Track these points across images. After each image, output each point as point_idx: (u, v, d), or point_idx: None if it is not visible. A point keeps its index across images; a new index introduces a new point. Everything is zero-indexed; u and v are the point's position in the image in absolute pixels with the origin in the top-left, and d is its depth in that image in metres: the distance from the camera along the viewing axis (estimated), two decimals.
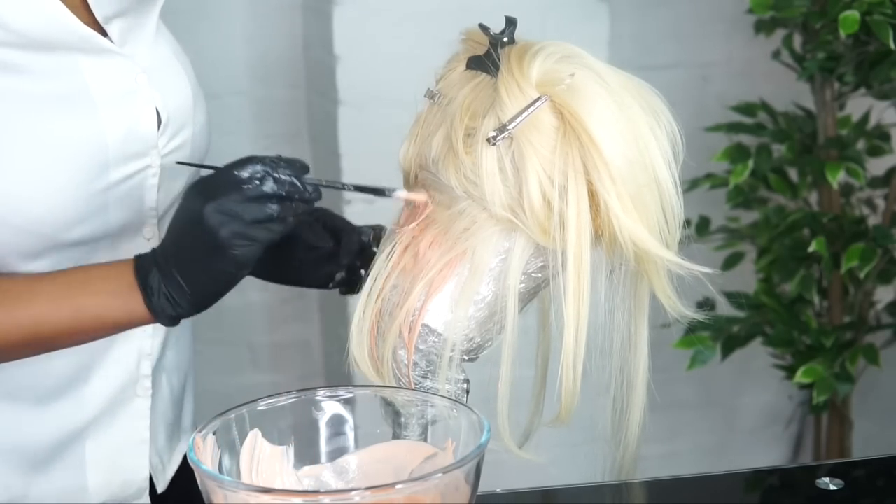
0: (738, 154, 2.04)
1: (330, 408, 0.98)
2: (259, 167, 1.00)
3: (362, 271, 1.20)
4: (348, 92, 2.11)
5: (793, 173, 2.10)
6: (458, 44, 1.07)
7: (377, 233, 1.22)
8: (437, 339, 1.02)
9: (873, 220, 2.10)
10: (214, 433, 0.90)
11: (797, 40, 2.04)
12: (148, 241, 1.15)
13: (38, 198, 1.05)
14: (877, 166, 2.13)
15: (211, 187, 1.01)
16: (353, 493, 0.81)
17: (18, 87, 1.05)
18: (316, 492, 0.92)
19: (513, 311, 1.01)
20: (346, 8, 2.08)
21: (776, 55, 2.09)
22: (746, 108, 2.11)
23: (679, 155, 1.01)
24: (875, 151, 2.13)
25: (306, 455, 0.96)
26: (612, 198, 0.97)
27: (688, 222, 1.05)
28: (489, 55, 1.02)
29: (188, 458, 0.86)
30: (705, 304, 1.59)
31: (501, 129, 0.98)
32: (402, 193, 1.04)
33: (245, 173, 1.00)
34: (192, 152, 1.19)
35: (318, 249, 1.23)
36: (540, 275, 1.02)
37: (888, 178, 2.11)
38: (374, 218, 1.26)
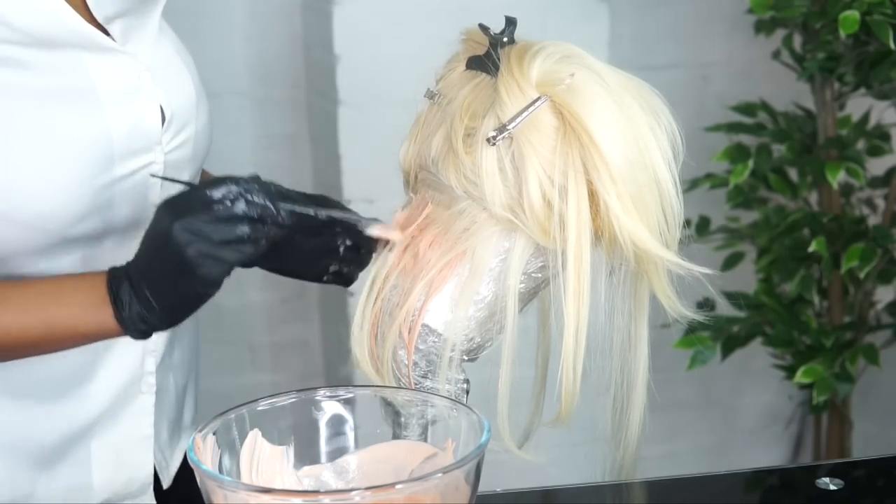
0: (738, 154, 2.04)
1: (330, 408, 0.98)
2: (233, 188, 0.99)
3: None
4: (348, 92, 2.11)
5: (793, 173, 2.10)
6: (458, 44, 1.07)
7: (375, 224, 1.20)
8: (437, 339, 1.02)
9: (873, 220, 2.10)
10: (214, 433, 0.90)
11: (797, 40, 2.04)
12: None
13: (44, 193, 1.05)
14: (877, 166, 2.13)
15: (181, 206, 1.00)
16: (353, 493, 0.81)
17: (23, 84, 1.05)
18: (316, 492, 0.92)
19: (513, 311, 1.01)
20: (346, 8, 2.08)
21: (776, 55, 2.09)
22: (746, 108, 2.11)
23: (679, 155, 1.01)
24: (875, 151, 2.13)
25: (306, 455, 0.96)
26: (612, 198, 0.97)
27: (688, 222, 1.05)
28: (489, 55, 1.02)
29: (188, 458, 0.86)
30: (705, 305, 1.59)
31: (501, 129, 0.98)
32: (375, 230, 1.04)
33: (217, 194, 0.99)
34: (194, 150, 1.19)
35: (317, 239, 1.22)
36: (540, 275, 1.02)
37: (888, 178, 2.11)
38: (376, 213, 1.26)
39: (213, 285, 1.01)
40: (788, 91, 2.18)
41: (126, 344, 1.18)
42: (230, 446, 0.92)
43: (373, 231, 1.05)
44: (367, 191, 2.08)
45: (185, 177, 1.18)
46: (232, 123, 2.26)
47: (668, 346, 1.80)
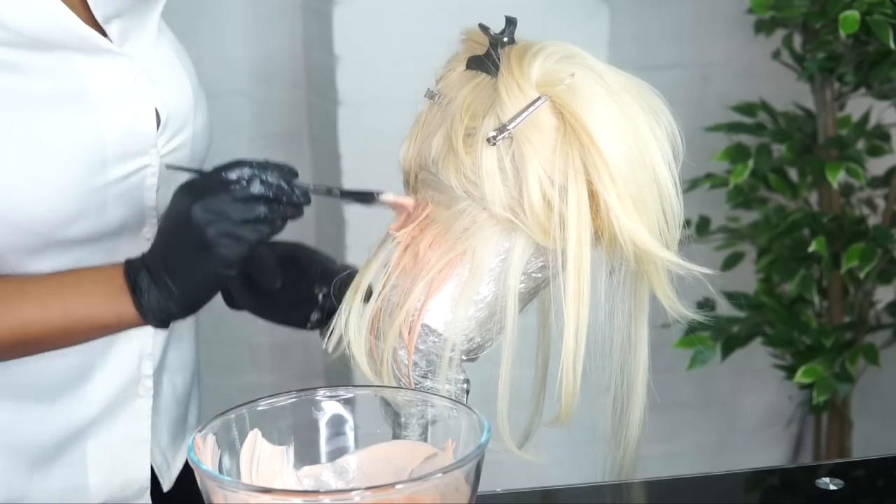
0: (738, 154, 2.04)
1: (330, 408, 0.98)
2: (247, 169, 1.02)
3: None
4: (348, 92, 2.11)
5: (793, 173, 2.10)
6: (458, 44, 1.07)
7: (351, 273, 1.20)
8: (437, 339, 1.02)
9: (873, 220, 2.10)
10: (214, 433, 0.90)
11: (797, 40, 2.04)
12: (148, 240, 1.15)
13: (35, 195, 1.05)
14: (877, 166, 2.13)
15: (199, 188, 1.03)
16: (353, 493, 0.81)
17: (16, 86, 1.05)
18: (316, 492, 0.92)
19: (513, 311, 1.01)
20: (346, 8, 2.08)
21: (776, 55, 2.09)
22: (746, 108, 2.11)
23: (679, 155, 1.01)
24: (875, 151, 2.13)
25: (306, 455, 0.96)
26: (612, 198, 0.97)
27: (688, 222, 1.05)
28: (489, 55, 1.02)
29: (188, 458, 0.86)
30: (705, 305, 1.59)
31: (501, 129, 0.98)
32: (389, 196, 1.05)
33: (233, 175, 1.02)
34: (192, 153, 1.19)
35: (294, 288, 1.23)
36: (540, 275, 1.02)
37: (888, 178, 2.11)
38: (376, 213, 1.26)
39: (232, 266, 1.03)
40: (788, 91, 2.18)
41: (124, 347, 1.18)
42: (230, 446, 0.92)
43: (386, 198, 1.05)
44: (367, 189, 2.08)
45: (182, 181, 1.18)
46: (232, 123, 2.26)
47: (668, 346, 1.80)
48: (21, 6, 1.05)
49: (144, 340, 1.19)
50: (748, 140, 2.08)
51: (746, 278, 2.13)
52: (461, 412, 0.92)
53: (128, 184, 1.12)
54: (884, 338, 2.12)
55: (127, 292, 1.05)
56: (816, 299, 2.05)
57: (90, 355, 1.16)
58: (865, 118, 2.13)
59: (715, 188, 2.08)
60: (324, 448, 0.97)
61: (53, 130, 1.06)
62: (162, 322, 1.06)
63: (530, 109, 0.97)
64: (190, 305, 1.06)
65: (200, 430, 0.89)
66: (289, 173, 1.03)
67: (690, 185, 2.00)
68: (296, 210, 1.04)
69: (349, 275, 1.10)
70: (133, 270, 1.06)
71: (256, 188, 1.01)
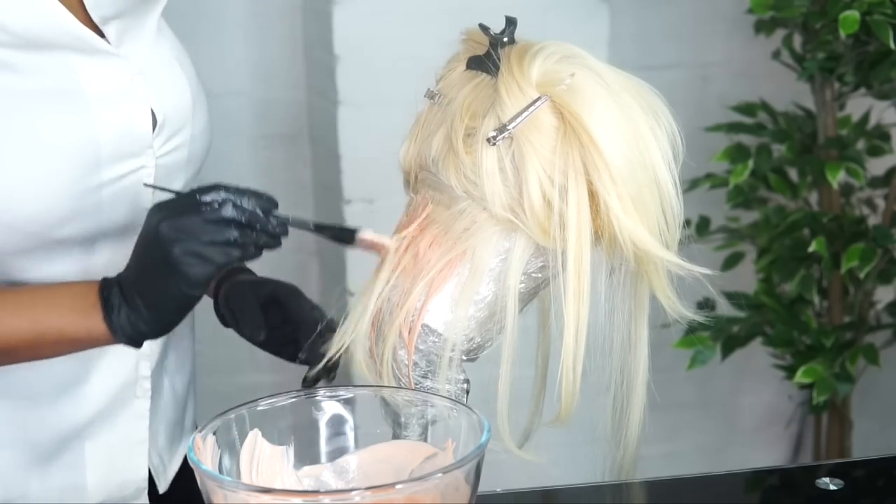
0: (738, 154, 2.04)
1: (330, 408, 0.98)
2: (222, 193, 1.01)
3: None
4: (348, 92, 2.11)
5: (793, 173, 2.10)
6: (458, 44, 1.07)
7: (330, 324, 1.19)
8: (437, 339, 1.02)
9: (873, 220, 2.10)
10: (214, 433, 0.90)
11: (797, 40, 2.04)
12: None
13: (29, 195, 1.05)
14: (877, 166, 2.13)
15: (171, 207, 1.02)
16: (353, 493, 0.81)
17: (10, 85, 1.05)
18: (316, 492, 0.92)
19: (513, 311, 1.01)
20: (346, 8, 2.08)
21: (776, 55, 2.09)
22: (746, 108, 2.11)
23: (679, 155, 1.01)
24: (875, 151, 2.13)
25: (306, 455, 0.96)
26: (612, 198, 0.97)
27: (688, 222, 1.05)
28: (489, 55, 1.02)
29: (188, 458, 0.86)
30: (705, 305, 1.59)
31: (501, 129, 0.98)
32: (367, 234, 1.04)
33: (207, 197, 1.01)
34: (190, 154, 1.19)
35: (278, 332, 1.23)
36: (540, 275, 1.02)
37: (888, 178, 2.11)
38: (374, 218, 1.26)
39: (197, 286, 1.02)
40: (788, 91, 2.18)
41: (122, 348, 1.18)
42: (230, 446, 0.92)
43: (364, 235, 1.05)
44: (367, 191, 2.08)
45: (181, 180, 1.18)
46: (232, 123, 2.25)
47: (668, 346, 1.80)
48: (18, 6, 1.04)
49: None
50: (748, 140, 2.08)
51: (746, 278, 2.13)
52: (461, 412, 0.92)
53: (123, 185, 1.12)
54: (884, 338, 2.12)
55: (98, 308, 1.04)
56: (816, 299, 2.05)
57: (88, 356, 1.15)
58: (865, 118, 2.13)
59: (715, 188, 2.08)
60: (324, 448, 0.97)
61: (47, 130, 1.06)
62: (132, 340, 1.05)
63: (530, 109, 0.97)
64: (158, 325, 1.05)
65: (200, 430, 0.90)
66: (267, 202, 1.02)
67: (690, 185, 2.00)
68: (272, 240, 1.02)
69: (328, 328, 1.10)
70: (107, 287, 1.05)
71: (228, 212, 1.00)
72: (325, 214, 2.23)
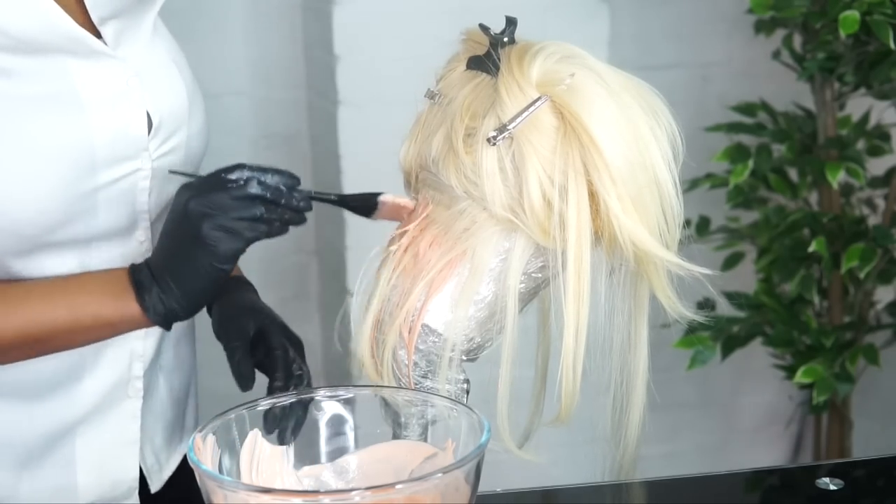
0: (738, 154, 2.04)
1: (330, 408, 0.98)
2: (246, 171, 1.03)
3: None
4: (348, 92, 2.11)
5: (793, 173, 2.10)
6: (458, 44, 1.07)
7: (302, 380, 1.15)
8: (437, 339, 1.02)
9: (873, 220, 2.10)
10: (214, 433, 0.90)
11: (797, 40, 2.04)
12: (141, 243, 1.15)
13: (23, 199, 1.05)
14: (877, 166, 2.13)
15: (198, 186, 1.04)
16: (353, 493, 0.81)
17: (4, 90, 1.05)
18: (316, 492, 0.92)
19: (513, 311, 1.01)
20: (346, 8, 2.08)
21: (776, 55, 2.09)
22: (746, 108, 2.11)
23: (679, 155, 1.01)
24: (875, 151, 2.13)
25: (306, 455, 0.96)
26: (612, 198, 0.97)
27: (688, 222, 1.05)
28: (489, 55, 1.02)
29: (188, 458, 0.86)
30: (705, 305, 1.59)
31: (502, 129, 0.98)
32: (388, 197, 1.06)
33: (232, 175, 1.03)
34: (186, 156, 1.18)
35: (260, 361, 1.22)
36: (540, 275, 1.02)
37: (888, 178, 2.11)
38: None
39: (227, 260, 1.03)
40: (788, 91, 2.18)
41: (115, 348, 1.18)
42: (230, 446, 0.92)
43: (385, 198, 1.06)
44: (367, 190, 2.08)
45: (176, 184, 1.17)
46: (232, 123, 2.25)
47: (668, 346, 1.80)
48: (15, 9, 1.04)
49: (135, 342, 1.19)
50: (748, 140, 2.08)
51: (746, 278, 2.13)
52: (461, 412, 0.92)
53: (119, 187, 1.12)
54: (884, 338, 2.12)
55: (130, 290, 1.06)
56: (816, 299, 2.05)
57: (80, 356, 1.16)
58: (865, 118, 2.12)
59: (715, 188, 2.08)
60: (324, 448, 0.97)
61: (42, 134, 1.06)
62: (165, 320, 1.07)
63: (530, 109, 0.97)
64: (190, 302, 1.06)
65: (200, 430, 0.90)
66: (290, 178, 1.04)
67: (690, 185, 2.00)
68: (297, 215, 1.04)
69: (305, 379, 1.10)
70: (137, 270, 1.07)
71: (254, 188, 1.02)
72: (326, 214, 2.23)
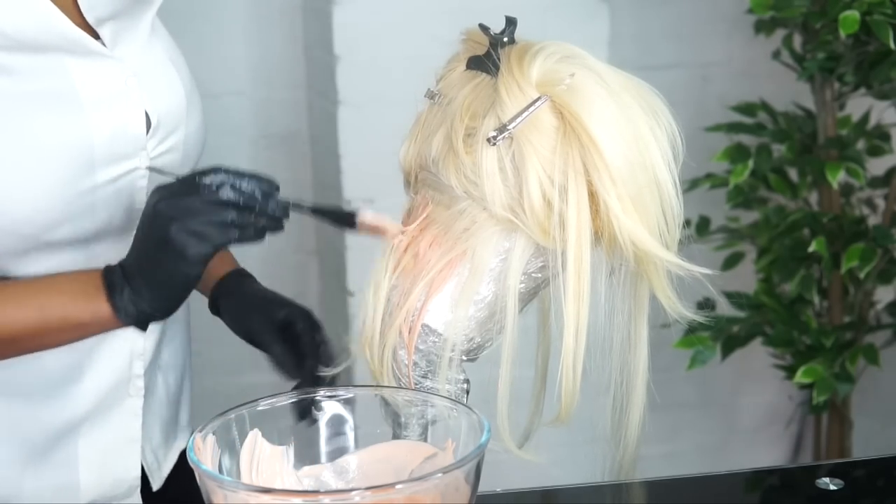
0: (738, 154, 2.04)
1: (330, 408, 0.98)
2: (221, 175, 1.02)
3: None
4: (348, 92, 2.11)
5: (793, 173, 2.10)
6: (458, 44, 1.07)
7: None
8: (437, 339, 1.02)
9: (873, 220, 2.10)
10: (214, 433, 0.90)
11: (797, 40, 2.04)
12: None
13: (22, 198, 1.05)
14: (877, 166, 2.13)
15: (170, 189, 1.03)
16: (353, 493, 0.81)
17: (3, 88, 1.05)
18: (316, 492, 0.92)
19: (513, 311, 1.01)
20: (346, 8, 2.08)
21: (776, 55, 2.09)
22: (746, 108, 2.11)
23: (679, 155, 1.01)
24: (875, 151, 2.13)
25: (306, 455, 0.96)
26: (612, 198, 0.97)
27: (688, 222, 1.05)
28: (489, 55, 1.02)
29: (188, 459, 0.86)
30: (705, 305, 1.59)
31: (501, 129, 0.98)
32: (367, 216, 1.04)
33: (206, 179, 1.02)
34: (184, 155, 1.19)
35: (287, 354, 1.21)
36: (540, 275, 1.02)
37: (888, 178, 2.11)
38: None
39: (194, 264, 1.02)
40: (788, 91, 2.18)
41: (114, 346, 1.18)
42: (230, 446, 0.92)
43: (364, 217, 1.05)
44: (367, 191, 2.08)
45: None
46: (232, 123, 2.25)
47: (668, 346, 1.80)
48: (12, 8, 1.04)
49: (135, 340, 1.20)
50: (748, 140, 2.08)
51: (746, 278, 2.13)
52: (461, 412, 0.92)
53: (116, 187, 1.12)
54: (884, 338, 2.12)
55: (102, 290, 1.05)
56: (816, 299, 2.05)
57: (81, 354, 1.16)
58: (865, 118, 2.12)
59: (715, 188, 2.08)
60: (324, 448, 0.97)
61: (41, 133, 1.06)
62: (138, 322, 1.06)
63: (530, 109, 0.97)
64: (161, 305, 1.05)
65: (200, 430, 0.89)
66: (268, 185, 1.03)
67: (690, 185, 2.00)
68: (272, 222, 1.03)
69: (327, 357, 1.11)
70: (110, 270, 1.06)
71: (226, 194, 1.01)
72: None
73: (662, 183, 1.00)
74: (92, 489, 1.21)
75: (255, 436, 0.93)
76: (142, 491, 1.25)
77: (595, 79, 0.99)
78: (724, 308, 1.93)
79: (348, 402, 0.98)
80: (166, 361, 1.27)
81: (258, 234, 1.03)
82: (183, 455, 1.31)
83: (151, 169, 1.13)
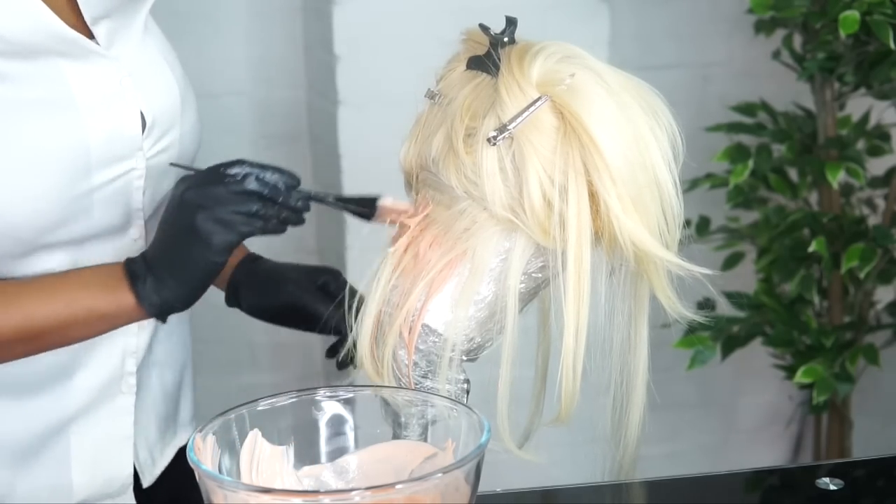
0: (738, 154, 2.04)
1: (330, 408, 0.98)
2: (245, 167, 1.04)
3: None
4: (348, 92, 2.11)
5: (793, 173, 2.10)
6: (459, 44, 1.07)
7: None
8: (437, 339, 1.02)
9: (873, 220, 2.10)
10: (214, 433, 0.90)
11: (797, 40, 2.04)
12: (135, 241, 1.16)
13: (18, 202, 1.06)
14: (877, 166, 2.13)
15: (195, 178, 1.05)
16: (353, 493, 0.81)
17: (0, 95, 1.05)
18: (316, 492, 0.92)
19: (513, 311, 1.01)
20: (346, 8, 2.08)
21: (776, 55, 2.09)
22: (746, 108, 2.11)
23: (679, 155, 1.01)
24: (875, 151, 2.13)
25: (306, 455, 0.96)
26: (612, 198, 0.97)
27: (688, 222, 1.05)
28: (489, 55, 1.02)
29: (188, 459, 0.86)
30: (705, 305, 1.59)
31: (502, 129, 0.98)
32: (388, 201, 1.06)
33: (230, 170, 1.03)
34: (180, 153, 1.19)
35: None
36: (540, 275, 1.02)
37: (888, 178, 2.11)
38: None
39: (220, 252, 1.04)
40: (788, 91, 2.18)
41: (107, 344, 1.18)
42: (230, 446, 0.92)
43: (385, 202, 1.07)
44: (367, 191, 2.07)
45: (171, 180, 1.18)
46: (232, 123, 2.26)
47: (668, 346, 1.80)
48: (6, 12, 1.04)
49: (128, 338, 1.20)
50: (748, 140, 2.08)
51: (746, 278, 2.13)
52: (461, 412, 0.92)
53: (113, 187, 1.12)
54: (884, 338, 2.12)
55: (125, 281, 1.06)
56: (816, 299, 2.05)
57: (72, 352, 1.16)
58: (865, 118, 2.13)
59: (715, 188, 2.08)
60: (324, 448, 0.97)
61: (37, 137, 1.06)
62: (161, 311, 1.07)
63: (531, 109, 0.97)
64: (185, 292, 1.06)
65: (200, 430, 0.89)
66: (290, 178, 1.05)
67: (690, 185, 2.00)
68: (294, 215, 1.05)
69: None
70: (132, 262, 1.07)
71: (251, 184, 1.03)
72: (326, 214, 2.23)
73: (662, 183, 1.00)
74: (84, 487, 1.21)
75: (255, 436, 0.93)
76: (133, 488, 1.25)
77: (595, 79, 0.99)
78: (724, 308, 1.93)
79: (348, 402, 0.98)
80: (162, 358, 1.27)
81: (280, 226, 1.05)
82: (178, 451, 1.31)
83: (174, 164, 1.14)
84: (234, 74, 2.26)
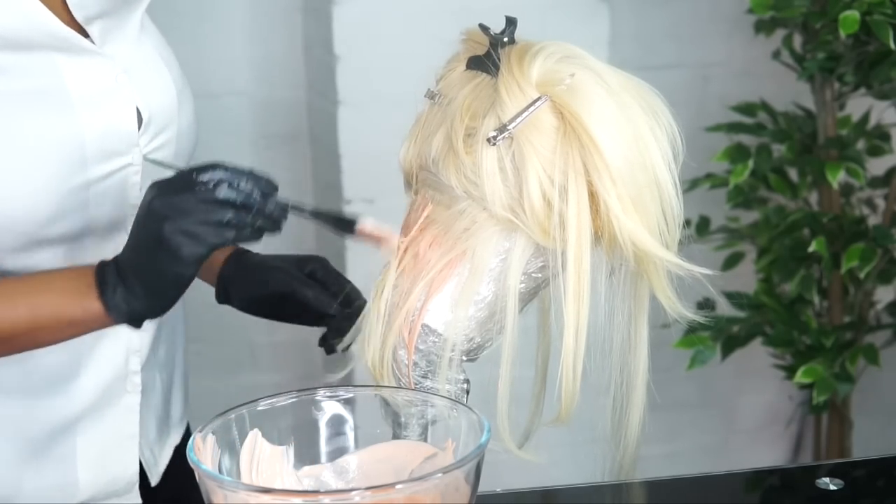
0: (738, 154, 2.04)
1: (330, 408, 0.98)
2: (219, 172, 1.00)
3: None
4: (348, 92, 2.11)
5: (793, 173, 2.11)
6: (458, 44, 1.07)
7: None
8: (437, 339, 1.02)
9: (873, 220, 2.10)
10: (214, 433, 0.90)
11: (797, 40, 2.04)
12: None
13: (14, 196, 1.06)
14: (877, 166, 2.14)
15: (165, 185, 1.01)
16: (353, 493, 0.81)
17: None
18: (316, 492, 0.92)
19: (513, 311, 1.01)
20: (346, 8, 2.08)
21: (776, 55, 2.09)
22: (746, 108, 2.11)
23: (679, 155, 1.01)
24: (875, 151, 2.13)
25: (306, 455, 0.96)
26: (612, 198, 0.97)
27: (688, 222, 1.05)
28: (489, 55, 1.02)
29: (188, 459, 0.86)
30: (705, 305, 1.59)
31: (502, 129, 0.98)
32: (368, 224, 1.04)
33: (203, 177, 1.00)
34: (176, 150, 1.19)
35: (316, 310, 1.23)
36: (540, 275, 1.02)
37: (888, 178, 2.11)
38: (377, 212, 1.26)
39: (188, 265, 1.00)
40: (788, 91, 2.18)
41: (111, 343, 1.18)
42: (230, 446, 0.92)
43: (365, 225, 1.04)
44: (367, 191, 2.08)
45: (168, 176, 1.17)
46: (232, 123, 2.26)
47: (668, 346, 1.80)
48: (0, 8, 1.04)
49: (132, 337, 1.20)
50: (748, 140, 2.08)
51: (746, 278, 2.13)
52: (461, 412, 0.92)
53: (110, 183, 1.12)
54: (884, 338, 2.12)
55: (94, 288, 1.03)
56: (816, 299, 2.05)
57: (78, 351, 1.16)
58: (865, 118, 2.13)
59: (715, 188, 2.08)
60: (324, 448, 0.97)
61: (32, 131, 1.06)
62: (129, 319, 1.04)
63: (530, 109, 0.97)
64: (154, 304, 1.04)
65: (200, 430, 0.89)
66: (266, 185, 1.01)
67: (690, 185, 2.01)
68: (271, 223, 1.01)
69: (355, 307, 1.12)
70: (103, 267, 1.05)
71: (223, 193, 0.99)
72: None
73: (662, 183, 1.00)
74: (90, 486, 1.21)
75: (255, 436, 0.93)
76: (140, 486, 1.25)
77: (595, 79, 0.99)
78: (724, 308, 1.93)
79: (348, 402, 0.98)
80: (162, 358, 1.28)
81: (255, 235, 1.01)
82: (178, 450, 1.32)
83: (150, 160, 1.12)
84: (234, 74, 2.26)
